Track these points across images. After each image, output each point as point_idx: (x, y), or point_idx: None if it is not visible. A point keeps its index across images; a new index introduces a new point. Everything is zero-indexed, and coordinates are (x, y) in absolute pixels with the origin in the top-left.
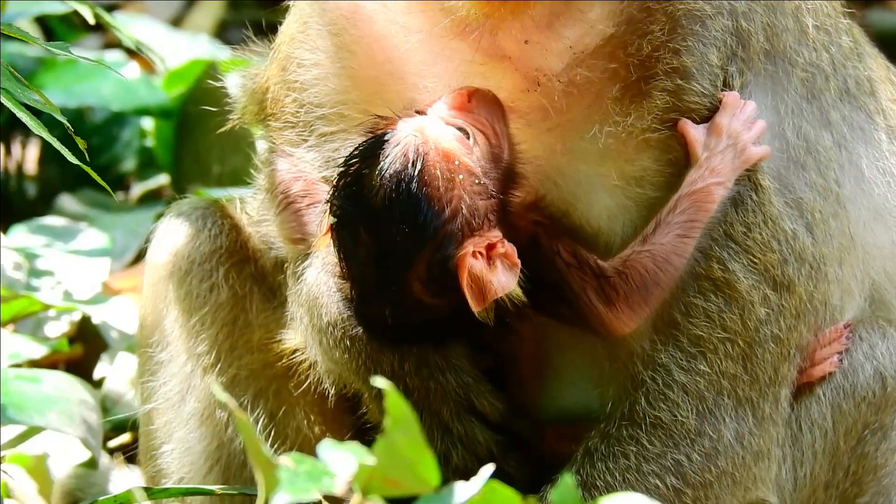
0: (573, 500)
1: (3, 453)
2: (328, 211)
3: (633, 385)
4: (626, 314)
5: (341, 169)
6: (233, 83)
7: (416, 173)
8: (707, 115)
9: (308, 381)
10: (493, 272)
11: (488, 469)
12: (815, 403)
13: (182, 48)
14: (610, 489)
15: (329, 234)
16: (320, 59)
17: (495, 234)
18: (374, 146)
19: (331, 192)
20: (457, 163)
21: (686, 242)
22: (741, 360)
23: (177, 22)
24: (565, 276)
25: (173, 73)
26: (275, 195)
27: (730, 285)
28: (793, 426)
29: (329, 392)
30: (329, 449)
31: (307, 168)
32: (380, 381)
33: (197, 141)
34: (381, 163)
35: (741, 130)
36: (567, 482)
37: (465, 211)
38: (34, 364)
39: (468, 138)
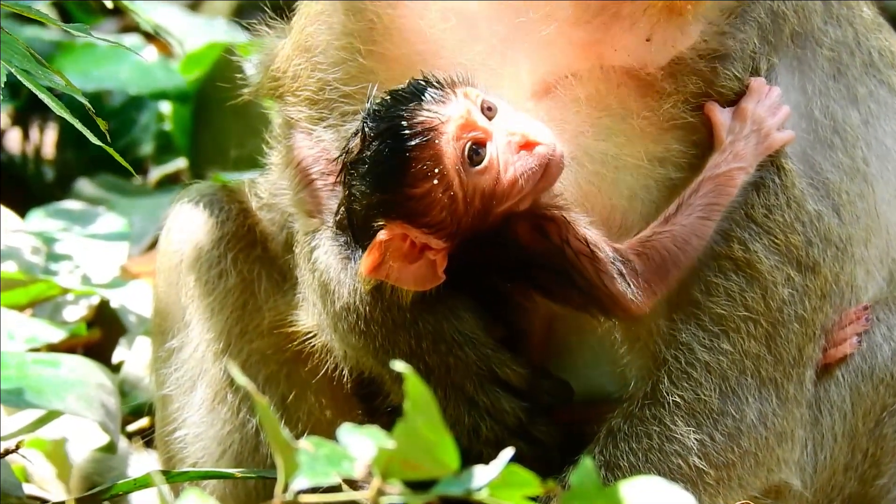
0: (593, 484)
1: (21, 438)
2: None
3: (656, 364)
4: (646, 294)
5: (402, 86)
6: (251, 66)
7: (414, 143)
8: (734, 98)
9: (320, 364)
10: (405, 263)
11: (508, 452)
12: (833, 385)
13: (200, 31)
14: (633, 469)
15: None
16: (350, 40)
17: (439, 244)
18: (423, 89)
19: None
20: (444, 170)
21: (706, 225)
22: (764, 340)
23: (194, 6)
24: (576, 264)
25: (191, 56)
26: (295, 172)
27: (751, 265)
28: (813, 408)
29: (345, 376)
30: (348, 432)
31: (327, 146)
32: (399, 365)
33: (214, 124)
34: (410, 110)
35: (766, 116)
36: (587, 465)
37: (420, 204)
38: (52, 348)
39: (479, 164)
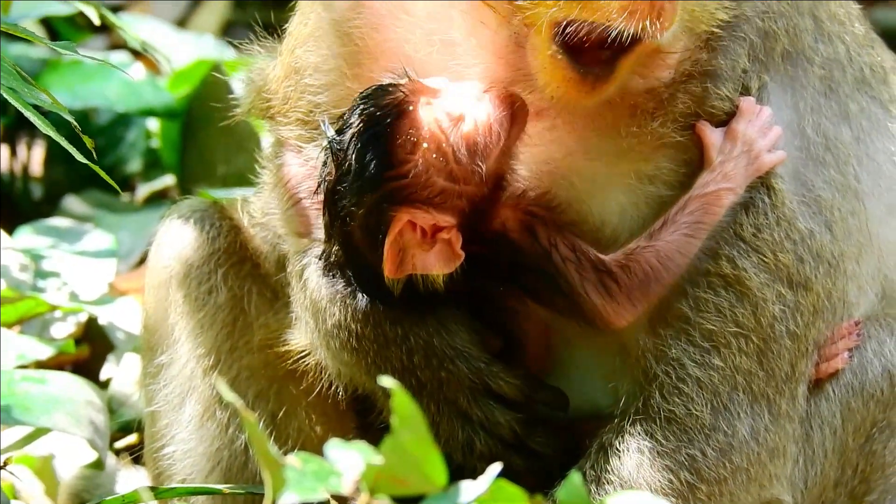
0: (581, 499)
1: (9, 454)
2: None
3: (647, 379)
4: (626, 307)
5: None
6: (238, 84)
7: (388, 122)
8: (725, 119)
9: (312, 381)
10: (423, 250)
11: (496, 468)
12: (824, 401)
13: (187, 48)
14: (624, 485)
15: None
16: (339, 63)
17: (447, 219)
18: (379, 92)
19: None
20: (426, 131)
21: (691, 242)
22: (756, 355)
23: (182, 22)
24: (561, 269)
25: (179, 73)
26: (285, 190)
27: (740, 282)
28: (804, 424)
29: (339, 393)
30: (336, 448)
31: (316, 164)
32: (386, 381)
33: (202, 141)
34: (371, 103)
35: (756, 137)
36: (574, 481)
37: (417, 177)
38: (41, 365)
39: (455, 116)
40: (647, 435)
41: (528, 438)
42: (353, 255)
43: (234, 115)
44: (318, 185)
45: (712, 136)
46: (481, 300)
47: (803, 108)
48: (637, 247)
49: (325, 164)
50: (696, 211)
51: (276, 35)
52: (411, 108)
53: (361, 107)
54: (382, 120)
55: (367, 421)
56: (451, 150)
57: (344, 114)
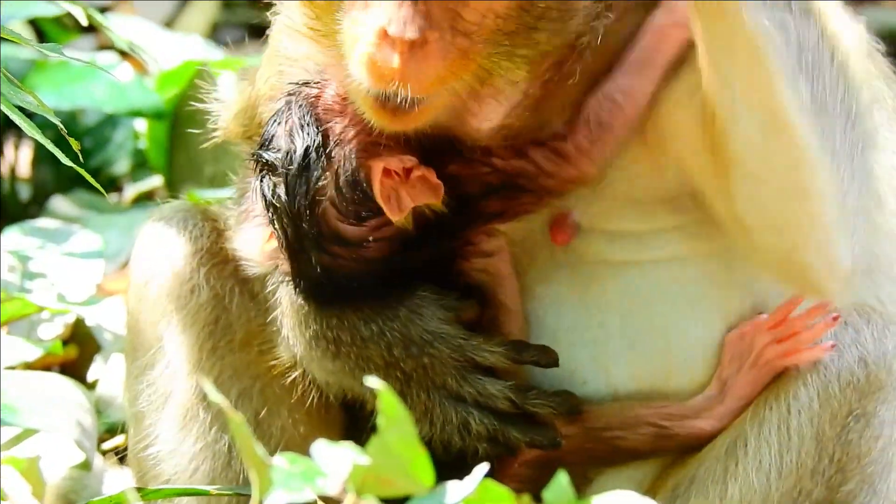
0: (567, 499)
1: None
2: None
3: None
4: (584, 163)
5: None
6: (225, 85)
7: (311, 94)
8: None
9: (293, 380)
10: (406, 188)
11: (483, 468)
12: (802, 387)
13: (175, 50)
14: None
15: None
16: None
17: (409, 158)
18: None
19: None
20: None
21: (641, 82)
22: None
23: (169, 23)
24: (518, 169)
25: (166, 74)
26: (245, 214)
27: None
28: (782, 409)
29: (330, 401)
30: (323, 449)
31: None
32: (372, 381)
33: (190, 142)
34: (288, 99)
35: None
36: (560, 481)
37: (357, 126)
38: (28, 366)
39: None
40: None
41: (525, 403)
42: (334, 239)
43: (213, 135)
44: (267, 207)
45: None
46: (450, 267)
47: None
48: (585, 103)
49: (263, 180)
50: (643, 48)
51: (264, 39)
52: (319, 88)
53: (283, 106)
54: (303, 101)
55: (360, 423)
56: None
57: (262, 135)
